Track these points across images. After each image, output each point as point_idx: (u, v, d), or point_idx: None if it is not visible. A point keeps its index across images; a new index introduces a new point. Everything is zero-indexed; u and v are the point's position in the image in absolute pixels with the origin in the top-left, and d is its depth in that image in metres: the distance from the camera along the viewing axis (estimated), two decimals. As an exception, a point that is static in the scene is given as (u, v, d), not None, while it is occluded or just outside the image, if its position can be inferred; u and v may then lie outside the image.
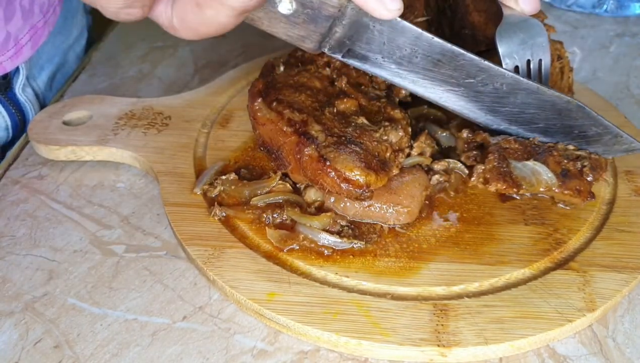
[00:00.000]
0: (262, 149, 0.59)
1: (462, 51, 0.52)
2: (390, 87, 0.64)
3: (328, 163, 0.52)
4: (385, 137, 0.56)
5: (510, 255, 0.53)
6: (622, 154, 0.57)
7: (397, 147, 0.56)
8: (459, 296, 0.50)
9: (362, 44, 0.50)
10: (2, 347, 0.49)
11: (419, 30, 0.50)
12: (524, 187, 0.55)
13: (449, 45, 0.51)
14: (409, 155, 0.59)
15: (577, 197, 0.55)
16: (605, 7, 0.97)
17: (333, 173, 0.52)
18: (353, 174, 0.51)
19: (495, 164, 0.55)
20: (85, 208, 0.61)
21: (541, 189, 0.55)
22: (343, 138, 0.54)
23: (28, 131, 0.68)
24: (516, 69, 0.57)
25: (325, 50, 0.51)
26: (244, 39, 0.93)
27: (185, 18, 0.43)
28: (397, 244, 0.54)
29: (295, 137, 0.54)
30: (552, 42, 0.62)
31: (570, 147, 0.56)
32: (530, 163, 0.55)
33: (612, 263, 0.52)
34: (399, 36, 0.50)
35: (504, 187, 0.55)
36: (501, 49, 0.57)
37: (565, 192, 0.55)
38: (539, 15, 0.64)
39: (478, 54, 0.62)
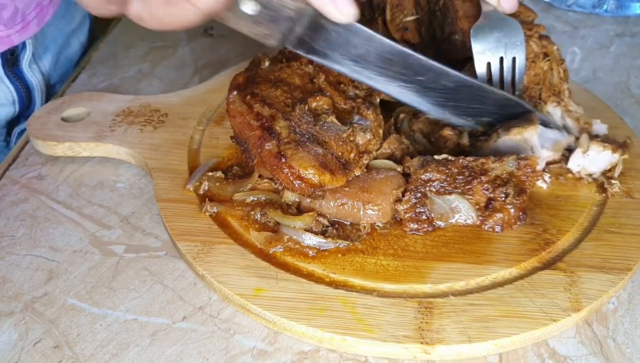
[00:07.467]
0: (233, 140, 0.60)
1: (410, 52, 0.56)
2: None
3: (284, 160, 0.52)
4: (352, 138, 0.56)
5: (498, 255, 0.53)
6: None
7: (363, 149, 0.56)
8: (445, 294, 0.50)
9: (322, 42, 0.53)
10: (1, 347, 0.49)
11: (371, 31, 0.54)
12: (442, 226, 0.55)
13: (398, 47, 0.55)
14: (377, 157, 0.59)
15: (501, 226, 0.55)
16: (605, 7, 0.96)
17: (287, 170, 0.52)
18: (307, 172, 0.52)
19: (412, 202, 0.55)
20: (85, 208, 0.62)
21: (460, 224, 0.56)
22: (307, 136, 0.54)
23: (27, 127, 0.69)
24: (488, 66, 0.59)
25: (288, 47, 0.54)
26: (244, 40, 0.92)
27: (156, 14, 0.46)
28: (384, 243, 0.54)
29: (259, 131, 0.55)
30: (540, 38, 0.62)
31: (497, 164, 0.55)
32: (452, 197, 0.55)
33: (600, 264, 0.52)
34: (353, 37, 0.54)
35: (417, 228, 0.55)
36: (475, 47, 0.59)
37: (487, 225, 0.55)
38: (530, 14, 0.64)
39: (467, 58, 0.62)
